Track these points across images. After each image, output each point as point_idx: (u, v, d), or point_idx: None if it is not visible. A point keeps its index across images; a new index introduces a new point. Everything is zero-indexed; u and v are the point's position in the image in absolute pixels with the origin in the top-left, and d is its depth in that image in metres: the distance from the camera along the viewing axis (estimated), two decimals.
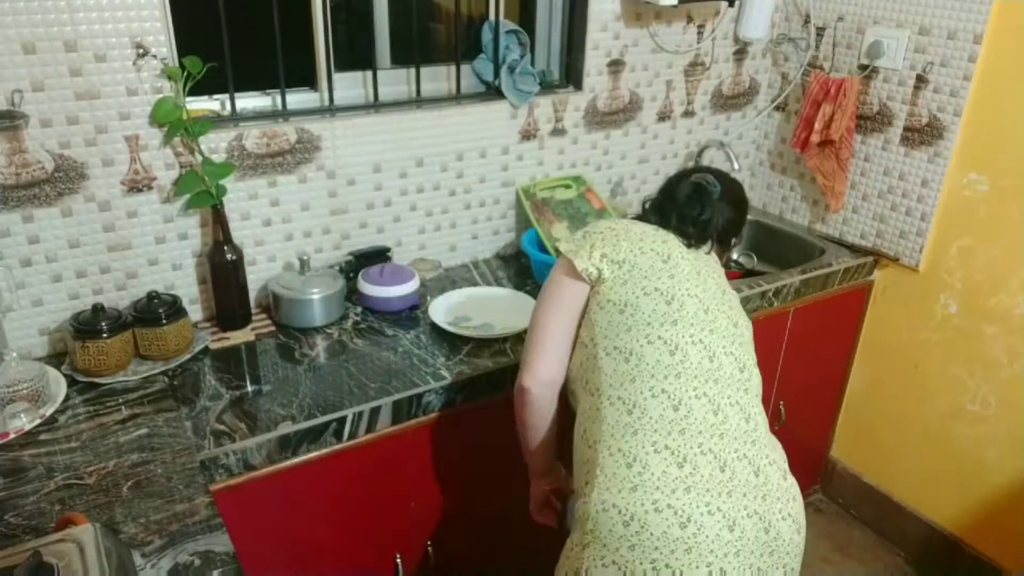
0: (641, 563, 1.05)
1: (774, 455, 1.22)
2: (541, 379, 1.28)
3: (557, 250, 1.32)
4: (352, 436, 1.43)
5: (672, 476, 1.09)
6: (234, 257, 1.62)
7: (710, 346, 1.21)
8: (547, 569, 1.97)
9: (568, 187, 2.03)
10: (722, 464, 1.12)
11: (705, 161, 2.35)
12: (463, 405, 1.54)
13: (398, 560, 1.60)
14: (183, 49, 1.52)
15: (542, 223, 1.93)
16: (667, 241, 1.29)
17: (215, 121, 1.59)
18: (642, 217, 1.39)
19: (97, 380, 1.45)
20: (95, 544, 0.91)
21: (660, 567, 1.05)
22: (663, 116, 2.21)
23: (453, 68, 1.90)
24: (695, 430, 1.13)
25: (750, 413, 1.20)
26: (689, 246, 1.32)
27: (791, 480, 1.25)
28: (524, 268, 1.99)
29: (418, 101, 1.86)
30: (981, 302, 1.99)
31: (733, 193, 1.39)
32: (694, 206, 1.34)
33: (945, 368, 2.10)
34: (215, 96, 1.66)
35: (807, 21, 2.19)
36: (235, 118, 1.65)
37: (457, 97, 1.91)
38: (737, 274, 2.11)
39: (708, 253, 1.36)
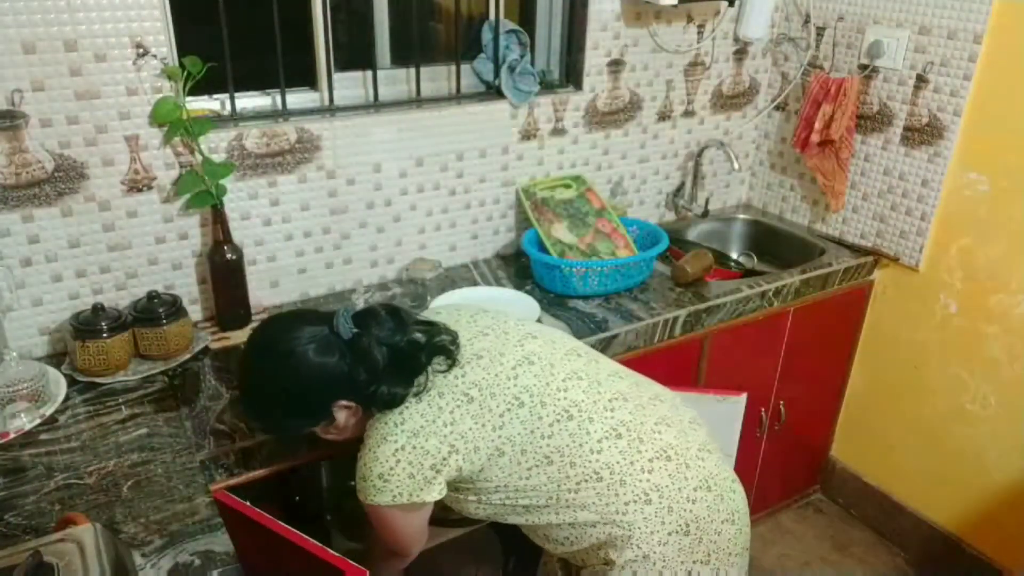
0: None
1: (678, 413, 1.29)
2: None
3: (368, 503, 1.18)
4: None
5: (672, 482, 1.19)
6: (234, 257, 1.62)
7: (580, 374, 1.25)
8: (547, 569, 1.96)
9: (568, 187, 2.02)
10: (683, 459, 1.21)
11: (705, 161, 2.35)
12: None
13: None
14: (183, 49, 1.52)
15: (542, 223, 1.92)
16: (486, 393, 1.19)
17: (215, 121, 1.59)
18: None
19: (97, 380, 1.45)
20: (95, 544, 0.91)
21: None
22: (663, 116, 2.21)
23: (453, 68, 1.90)
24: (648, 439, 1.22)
25: (647, 398, 1.27)
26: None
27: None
28: (524, 268, 1.99)
29: (418, 101, 1.86)
30: (981, 302, 1.98)
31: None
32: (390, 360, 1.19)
33: (945, 368, 2.10)
34: (215, 96, 1.66)
35: (807, 21, 2.19)
36: (235, 118, 1.65)
37: (457, 97, 1.91)
38: (737, 274, 2.11)
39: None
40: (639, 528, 1.15)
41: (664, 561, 1.15)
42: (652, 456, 1.18)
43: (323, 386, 1.17)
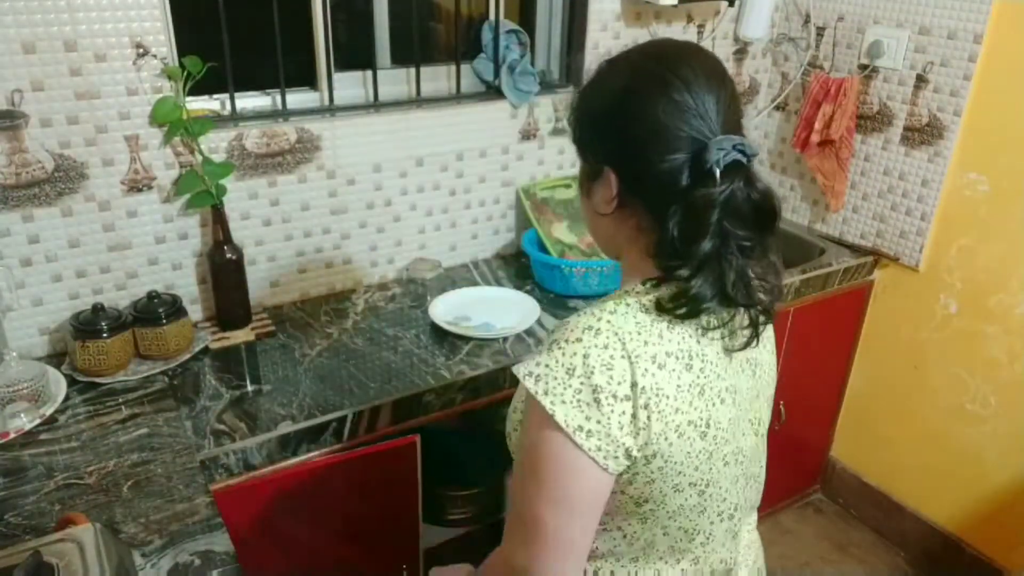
0: None
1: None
2: None
3: (541, 405, 0.79)
4: (352, 436, 1.43)
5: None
6: (234, 257, 1.62)
7: (735, 502, 0.93)
8: None
9: (568, 187, 2.03)
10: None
11: None
12: (463, 405, 1.54)
13: (398, 560, 1.60)
14: (183, 49, 1.52)
15: (542, 223, 1.92)
16: (705, 383, 0.83)
17: (215, 121, 1.59)
18: (668, 302, 0.81)
19: (97, 380, 1.45)
20: (95, 544, 0.91)
21: None
22: None
23: (453, 68, 1.90)
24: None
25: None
26: (740, 348, 0.86)
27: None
28: (524, 268, 1.99)
29: (418, 101, 1.86)
30: (981, 302, 1.98)
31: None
32: (760, 239, 0.82)
33: (945, 368, 2.10)
34: (215, 96, 1.66)
35: (807, 21, 2.19)
36: (235, 118, 1.65)
37: (457, 97, 1.91)
38: None
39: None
40: None
41: None
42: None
43: (618, 129, 0.83)
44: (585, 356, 0.78)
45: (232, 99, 1.65)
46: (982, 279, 1.97)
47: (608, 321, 0.80)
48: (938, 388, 2.13)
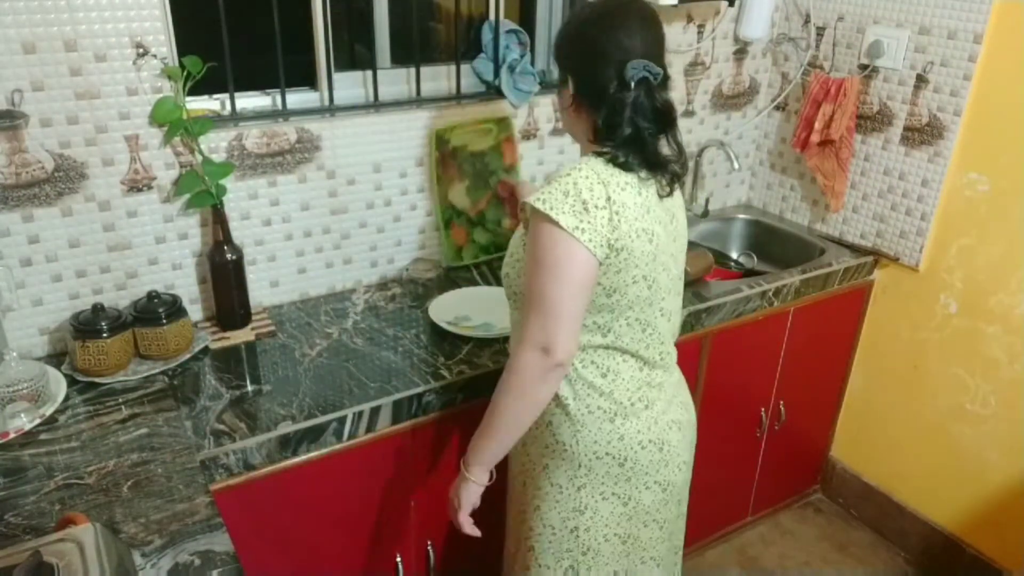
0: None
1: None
2: (570, 353, 1.17)
3: (548, 216, 1.13)
4: (352, 436, 1.43)
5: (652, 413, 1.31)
6: (234, 257, 1.62)
7: (671, 309, 1.30)
8: None
9: (489, 131, 1.94)
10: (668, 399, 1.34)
11: (705, 161, 2.34)
12: (463, 405, 1.54)
13: (398, 560, 1.60)
14: (183, 49, 1.52)
15: (443, 181, 1.89)
16: (648, 206, 1.20)
17: (215, 121, 1.59)
18: (616, 161, 1.19)
19: (97, 380, 1.45)
20: (95, 544, 0.91)
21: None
22: None
23: (453, 68, 1.90)
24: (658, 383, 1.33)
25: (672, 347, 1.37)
26: (664, 195, 1.24)
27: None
28: None
29: (418, 101, 1.86)
30: (981, 302, 1.99)
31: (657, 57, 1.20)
32: (659, 130, 1.20)
33: (945, 368, 2.10)
34: (215, 96, 1.66)
35: (807, 21, 2.19)
36: (235, 118, 1.65)
37: (457, 97, 1.91)
38: (737, 274, 2.11)
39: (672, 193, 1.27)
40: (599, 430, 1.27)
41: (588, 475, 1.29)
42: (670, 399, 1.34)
43: (577, 47, 1.22)
44: (575, 183, 1.14)
45: (232, 99, 1.65)
46: (982, 279, 1.97)
47: (587, 165, 1.17)
48: (938, 388, 2.13)
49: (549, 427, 1.30)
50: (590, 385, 1.26)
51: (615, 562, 1.35)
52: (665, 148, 1.23)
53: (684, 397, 1.39)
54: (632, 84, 1.15)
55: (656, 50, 1.19)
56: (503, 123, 1.95)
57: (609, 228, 1.14)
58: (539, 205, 1.13)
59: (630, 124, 1.17)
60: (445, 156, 1.89)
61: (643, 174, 1.19)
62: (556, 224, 1.12)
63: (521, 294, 1.24)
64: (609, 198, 1.14)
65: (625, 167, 1.18)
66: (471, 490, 1.28)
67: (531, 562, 1.38)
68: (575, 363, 1.25)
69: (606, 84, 1.17)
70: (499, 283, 1.92)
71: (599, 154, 1.19)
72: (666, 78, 1.20)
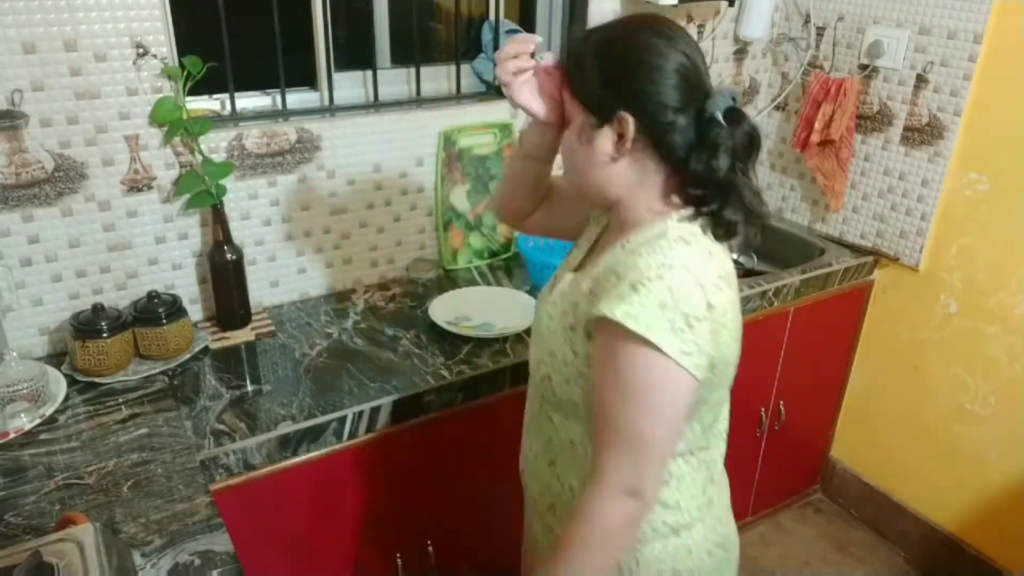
0: None
1: None
2: (654, 497, 0.99)
3: (630, 331, 0.89)
4: (352, 436, 1.43)
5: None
6: (234, 257, 1.62)
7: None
8: None
9: (494, 136, 1.94)
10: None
11: None
12: (463, 405, 1.54)
13: (398, 560, 1.60)
14: (183, 49, 1.52)
15: (446, 182, 1.89)
16: (734, 298, 1.00)
17: (215, 121, 1.59)
18: (716, 225, 0.97)
19: (97, 380, 1.45)
20: (95, 544, 0.91)
21: None
22: None
23: (453, 68, 1.90)
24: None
25: None
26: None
27: None
28: (522, 267, 1.99)
29: (418, 101, 1.86)
30: (981, 302, 1.98)
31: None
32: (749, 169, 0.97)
33: (945, 368, 2.10)
34: (215, 96, 1.66)
35: (807, 21, 2.19)
36: (235, 118, 1.65)
37: (457, 97, 1.91)
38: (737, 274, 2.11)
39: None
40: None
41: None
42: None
43: (636, 77, 0.93)
44: (671, 290, 0.90)
45: (232, 99, 1.65)
46: (982, 279, 1.97)
47: (674, 256, 0.93)
48: (938, 388, 2.12)
49: None
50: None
51: None
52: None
53: (729, 492, 1.20)
54: (721, 117, 0.93)
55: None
56: (505, 128, 1.95)
57: (712, 343, 0.93)
58: (632, 324, 0.88)
59: (731, 168, 0.94)
60: (451, 157, 1.89)
61: (740, 235, 0.96)
62: (658, 350, 0.88)
63: (573, 404, 1.03)
64: (709, 305, 0.92)
65: (728, 231, 0.96)
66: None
67: None
68: None
69: (687, 121, 0.93)
70: (498, 283, 1.92)
71: (680, 216, 0.97)
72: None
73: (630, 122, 0.93)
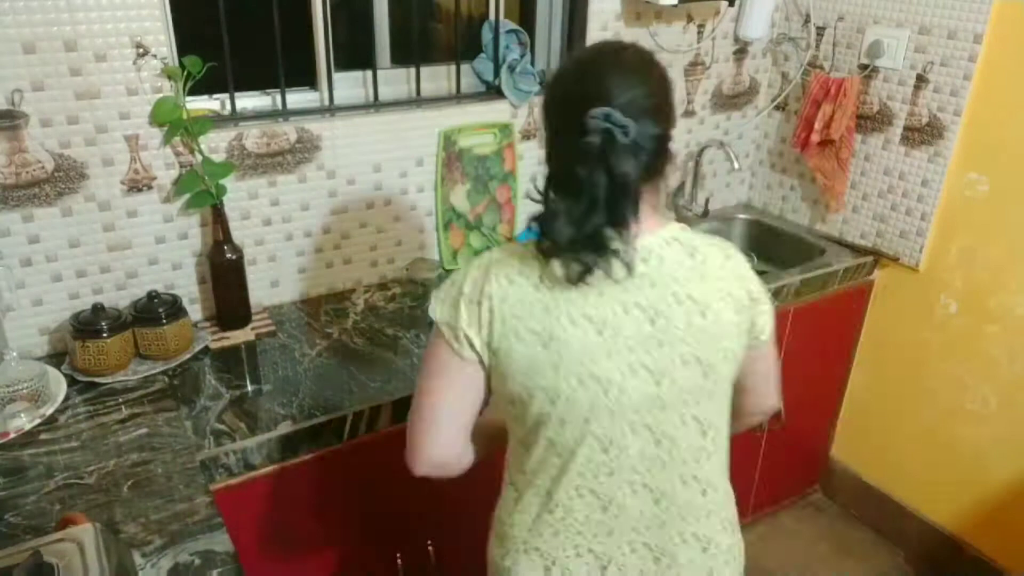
0: None
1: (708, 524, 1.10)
2: (429, 462, 1.04)
3: (432, 319, 1.02)
4: (352, 436, 1.43)
5: None
6: (234, 257, 1.62)
7: (615, 438, 0.99)
8: None
9: (494, 135, 1.94)
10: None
11: (705, 161, 2.34)
12: None
13: (398, 560, 1.60)
14: (183, 49, 1.52)
15: (446, 182, 1.90)
16: (548, 298, 0.95)
17: (215, 121, 1.59)
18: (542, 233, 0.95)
19: (97, 380, 1.45)
20: (95, 544, 0.91)
21: None
22: None
23: (453, 68, 1.90)
24: (627, 527, 1.04)
25: (707, 486, 1.07)
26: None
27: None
28: None
29: (418, 101, 1.86)
30: (981, 302, 1.98)
31: (645, 99, 0.92)
32: (602, 204, 0.90)
33: (945, 368, 2.10)
34: (215, 96, 1.66)
35: (807, 21, 2.19)
36: (235, 118, 1.65)
37: (457, 97, 1.91)
38: None
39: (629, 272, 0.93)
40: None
41: None
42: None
43: (551, 100, 0.99)
44: (459, 276, 1.01)
45: (232, 99, 1.65)
46: (982, 279, 1.97)
47: (491, 254, 1.02)
48: (938, 388, 2.13)
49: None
50: (500, 510, 1.12)
51: None
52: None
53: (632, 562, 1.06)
54: (590, 134, 0.88)
55: (642, 102, 0.91)
56: (505, 129, 1.95)
57: (486, 328, 0.97)
58: (431, 312, 1.03)
59: (574, 179, 0.90)
60: (451, 157, 1.89)
61: (565, 254, 0.92)
62: (434, 322, 1.01)
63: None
64: (484, 292, 0.96)
65: (550, 245, 0.93)
66: None
67: None
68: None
69: (558, 133, 0.97)
70: None
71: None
72: (659, 138, 0.93)
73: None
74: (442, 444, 1.03)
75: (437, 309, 1.01)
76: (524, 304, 0.96)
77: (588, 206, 0.89)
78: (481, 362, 0.99)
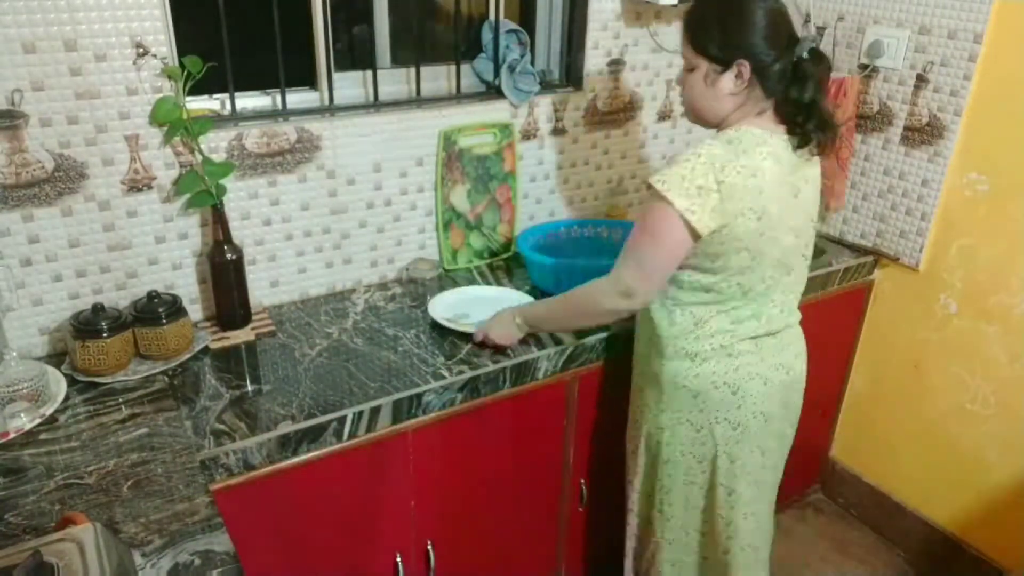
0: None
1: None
2: (642, 303, 1.43)
3: (656, 190, 1.32)
4: (352, 436, 1.43)
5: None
6: (234, 257, 1.62)
7: (778, 277, 1.44)
8: (546, 570, 1.98)
9: (493, 135, 1.94)
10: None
11: None
12: (463, 405, 1.54)
13: (398, 560, 1.60)
14: (183, 48, 1.52)
15: (446, 182, 1.90)
16: (761, 187, 1.31)
17: (215, 121, 1.59)
18: (795, 130, 1.36)
19: (97, 380, 1.45)
20: (95, 544, 0.91)
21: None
22: (663, 116, 2.21)
23: (453, 67, 1.90)
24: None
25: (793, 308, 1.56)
26: (797, 148, 1.37)
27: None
28: (523, 267, 1.99)
29: (418, 101, 1.86)
30: (981, 302, 1.99)
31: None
32: (808, 87, 1.33)
33: (945, 368, 2.10)
34: (215, 96, 1.66)
35: (807, 21, 2.19)
36: (235, 118, 1.65)
37: (457, 97, 1.91)
38: None
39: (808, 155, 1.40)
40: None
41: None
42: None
43: (750, 34, 1.31)
44: (692, 169, 1.31)
45: (232, 99, 1.65)
46: (982, 279, 1.97)
47: (703, 149, 1.33)
48: (938, 388, 2.13)
49: (647, 362, 1.53)
50: (681, 329, 1.45)
51: (690, 476, 1.56)
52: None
53: (784, 359, 1.51)
54: (806, 57, 1.31)
55: None
56: (505, 129, 1.95)
57: (719, 211, 1.30)
58: (658, 185, 1.32)
59: (815, 95, 1.32)
60: (451, 157, 1.89)
61: (815, 139, 1.35)
62: (670, 203, 1.30)
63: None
64: (719, 182, 1.29)
65: (801, 141, 1.35)
66: (510, 337, 1.58)
67: (630, 461, 1.66)
68: (676, 309, 1.45)
69: (786, 62, 1.31)
70: (498, 283, 1.93)
71: (766, 130, 1.34)
72: None
73: (747, 67, 1.32)
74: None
75: (677, 198, 1.31)
76: (749, 194, 1.33)
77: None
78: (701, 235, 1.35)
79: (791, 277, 1.48)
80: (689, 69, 1.39)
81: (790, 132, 1.36)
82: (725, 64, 1.33)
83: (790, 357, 1.53)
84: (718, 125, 1.41)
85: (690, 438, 1.52)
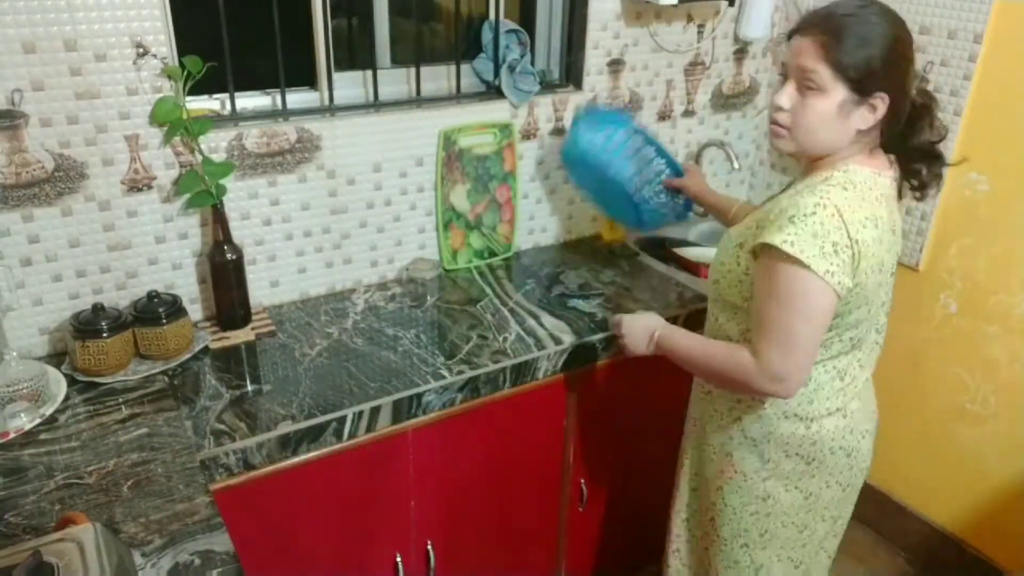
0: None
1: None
2: (797, 386, 1.25)
3: (787, 253, 1.17)
4: (352, 436, 1.43)
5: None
6: (234, 257, 1.62)
7: (883, 322, 1.40)
8: (546, 570, 1.98)
9: (493, 135, 1.94)
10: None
11: (705, 161, 2.34)
12: (463, 405, 1.54)
13: (398, 560, 1.60)
14: (183, 48, 1.52)
15: (446, 183, 1.90)
16: (881, 237, 1.22)
17: (215, 120, 1.59)
18: (910, 168, 1.28)
19: (97, 380, 1.45)
20: (95, 544, 0.92)
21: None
22: (663, 116, 2.21)
23: (453, 67, 1.90)
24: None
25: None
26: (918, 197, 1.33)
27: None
28: (523, 267, 1.99)
29: (418, 101, 1.86)
30: (981, 302, 1.98)
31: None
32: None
33: (945, 368, 2.10)
34: (215, 96, 1.66)
35: None
36: (235, 118, 1.65)
37: (457, 97, 1.91)
38: None
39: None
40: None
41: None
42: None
43: (900, 68, 1.19)
44: (822, 223, 1.16)
45: (232, 99, 1.65)
46: (982, 279, 1.97)
47: (828, 197, 1.18)
48: (938, 388, 2.12)
49: (738, 423, 1.39)
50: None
51: (788, 547, 1.47)
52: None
53: (874, 406, 1.43)
54: (924, 93, 1.25)
55: None
56: (505, 128, 1.95)
57: (852, 267, 1.19)
58: (788, 248, 1.16)
59: (935, 133, 1.26)
60: (451, 157, 1.89)
61: (929, 183, 1.30)
62: (808, 267, 1.16)
63: (733, 305, 1.34)
64: (852, 239, 1.17)
65: (921, 182, 1.29)
66: (638, 349, 1.45)
67: (712, 534, 1.51)
68: None
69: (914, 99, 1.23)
70: (498, 283, 1.93)
71: (874, 171, 1.24)
72: None
73: (886, 103, 1.18)
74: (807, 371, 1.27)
75: (815, 261, 1.16)
76: (876, 244, 1.21)
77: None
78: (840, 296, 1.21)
79: (885, 318, 1.40)
80: (813, 88, 1.19)
81: (905, 174, 1.28)
82: (864, 94, 1.17)
83: (874, 402, 1.45)
84: (818, 159, 1.26)
85: (796, 506, 1.41)
